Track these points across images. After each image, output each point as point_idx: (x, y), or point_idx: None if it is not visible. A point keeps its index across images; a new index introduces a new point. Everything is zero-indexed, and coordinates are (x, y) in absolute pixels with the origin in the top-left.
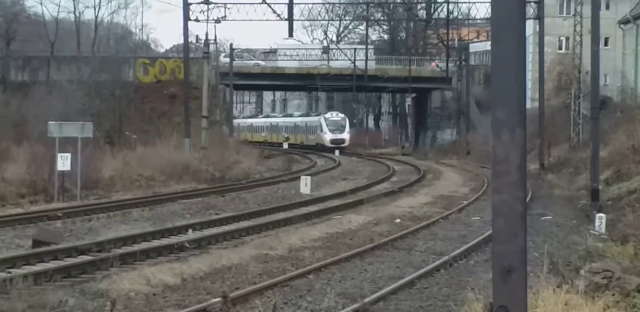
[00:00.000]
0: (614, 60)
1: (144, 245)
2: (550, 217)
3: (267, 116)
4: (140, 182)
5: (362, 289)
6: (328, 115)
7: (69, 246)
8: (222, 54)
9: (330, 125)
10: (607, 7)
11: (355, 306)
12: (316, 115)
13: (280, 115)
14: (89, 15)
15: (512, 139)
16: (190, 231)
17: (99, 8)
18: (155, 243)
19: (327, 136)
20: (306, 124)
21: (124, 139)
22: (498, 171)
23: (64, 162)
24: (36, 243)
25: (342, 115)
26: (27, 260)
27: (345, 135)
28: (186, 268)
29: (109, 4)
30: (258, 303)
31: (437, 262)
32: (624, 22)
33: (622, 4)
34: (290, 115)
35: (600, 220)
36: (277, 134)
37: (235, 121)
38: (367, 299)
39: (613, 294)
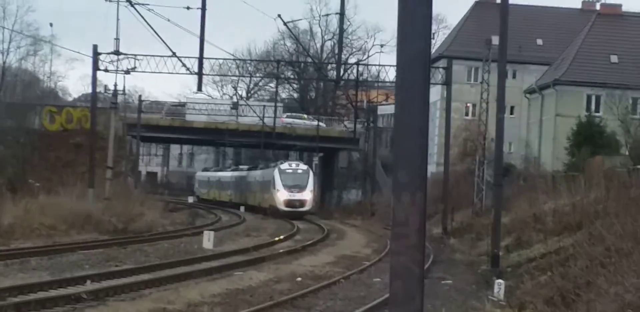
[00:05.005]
0: (519, 129)
1: (41, 294)
2: (450, 281)
3: (236, 169)
4: (41, 231)
5: None
6: (285, 166)
7: None
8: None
9: (286, 179)
10: (514, 76)
11: None
12: (274, 167)
13: (246, 167)
14: None
15: (413, 202)
16: (88, 281)
17: (7, 54)
18: (52, 293)
19: (281, 196)
20: (263, 178)
21: (26, 187)
22: (397, 233)
23: None
24: None
25: (304, 166)
26: None
27: (307, 195)
28: None
29: (18, 50)
30: None
31: None
32: (530, 91)
33: (528, 73)
34: (255, 167)
35: (499, 286)
36: (245, 192)
37: (204, 174)
38: None
39: None
